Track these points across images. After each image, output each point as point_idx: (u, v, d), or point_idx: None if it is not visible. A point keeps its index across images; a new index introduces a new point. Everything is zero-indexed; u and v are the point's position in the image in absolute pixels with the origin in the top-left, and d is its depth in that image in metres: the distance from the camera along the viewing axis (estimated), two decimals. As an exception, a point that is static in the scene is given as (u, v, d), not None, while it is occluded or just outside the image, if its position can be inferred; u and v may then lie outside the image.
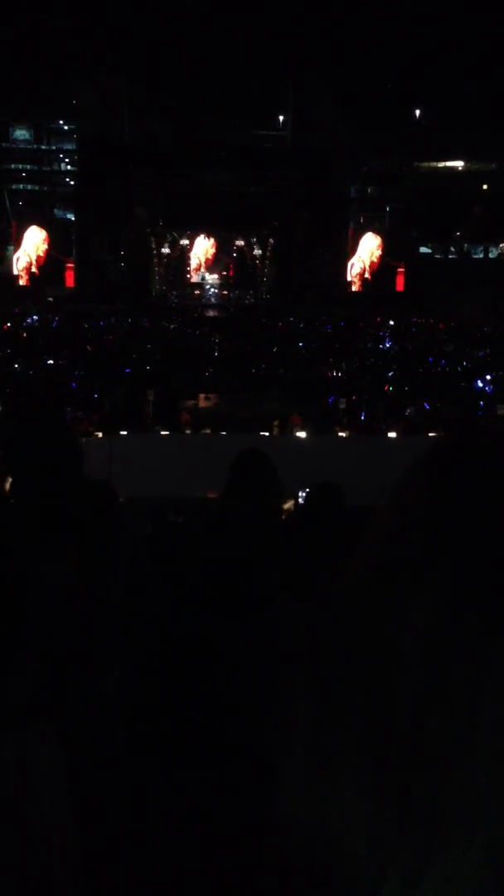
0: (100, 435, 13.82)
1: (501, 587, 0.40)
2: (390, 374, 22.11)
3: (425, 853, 0.39)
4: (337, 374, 22.39)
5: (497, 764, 0.37)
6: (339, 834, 0.43)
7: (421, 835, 0.40)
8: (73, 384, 19.53)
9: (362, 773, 0.42)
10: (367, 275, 47.21)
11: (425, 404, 16.94)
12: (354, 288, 47.14)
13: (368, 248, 47.23)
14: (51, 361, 23.33)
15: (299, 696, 0.45)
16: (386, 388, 19.94)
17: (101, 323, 34.67)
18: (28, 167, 47.34)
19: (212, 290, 47.48)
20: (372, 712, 0.42)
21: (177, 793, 1.84)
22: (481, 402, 17.49)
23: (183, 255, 47.55)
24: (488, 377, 20.67)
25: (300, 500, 7.57)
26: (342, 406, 17.03)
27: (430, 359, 25.40)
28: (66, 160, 47.43)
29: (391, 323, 36.54)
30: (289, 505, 7.93)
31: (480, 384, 20.17)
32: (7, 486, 2.23)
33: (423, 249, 48.47)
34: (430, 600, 0.41)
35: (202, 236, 47.39)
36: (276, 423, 15.23)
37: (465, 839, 0.38)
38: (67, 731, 1.52)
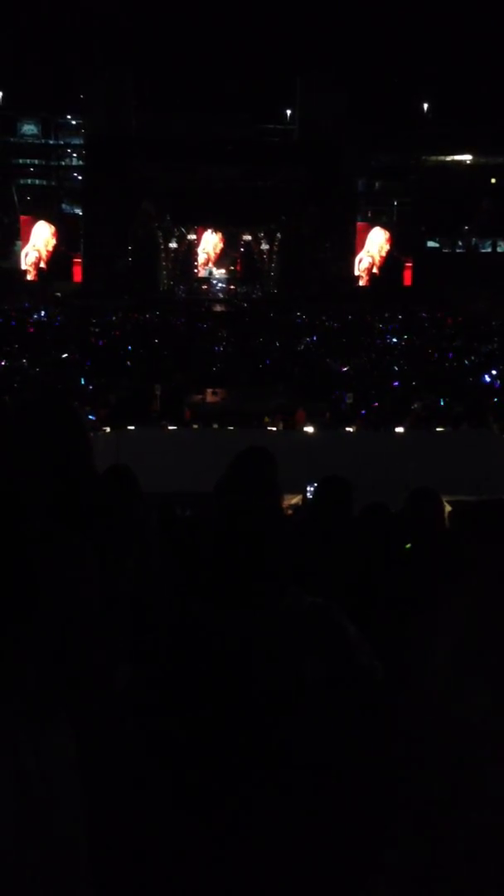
0: (107, 430, 13.85)
1: None
2: (397, 369, 22.09)
3: None
4: (344, 368, 22.37)
5: None
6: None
7: None
8: (81, 379, 19.56)
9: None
10: (374, 269, 47.10)
11: (433, 399, 16.92)
12: (362, 283, 47.04)
13: (377, 242, 47.12)
14: (63, 356, 23.36)
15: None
16: (393, 383, 19.91)
17: (110, 318, 34.69)
18: (36, 162, 47.34)
19: (219, 284, 47.42)
20: None
21: (187, 786, 1.86)
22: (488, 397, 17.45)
23: (190, 250, 47.51)
24: (495, 371, 20.62)
25: (308, 494, 7.58)
26: (349, 401, 17.02)
27: (438, 353, 25.36)
28: (74, 155, 47.41)
29: (399, 317, 36.47)
30: (297, 500, 7.94)
31: (488, 379, 20.13)
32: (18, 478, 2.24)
33: (430, 244, 48.32)
34: None
35: (209, 231, 47.32)
36: (267, 419, 15.22)
37: None
38: (80, 722, 1.53)
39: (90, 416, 14.45)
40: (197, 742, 1.85)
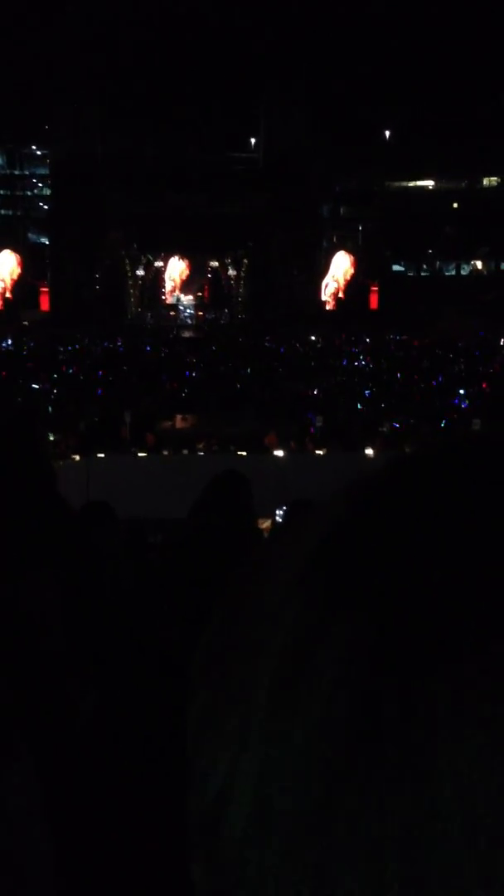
0: (77, 458, 13.77)
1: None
2: (366, 392, 22.22)
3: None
4: (313, 392, 22.47)
5: None
6: None
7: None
8: (50, 407, 19.47)
9: None
10: (340, 293, 47.52)
11: (401, 421, 17.03)
12: (329, 307, 47.43)
13: (341, 267, 47.59)
14: (29, 385, 23.25)
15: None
16: (361, 406, 20.03)
17: (78, 347, 34.63)
18: (1, 192, 47.38)
19: (187, 311, 47.60)
20: None
21: (157, 816, 1.82)
22: (455, 417, 17.60)
23: (157, 277, 47.68)
24: (462, 392, 20.82)
25: (278, 518, 7.56)
26: (318, 424, 17.08)
27: (405, 375, 25.56)
28: (40, 184, 47.51)
29: (367, 340, 36.76)
30: (267, 524, 7.92)
31: (456, 400, 20.31)
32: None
33: (395, 267, 48.89)
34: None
35: (175, 258, 47.54)
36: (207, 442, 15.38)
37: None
38: (42, 756, 1.50)
39: (65, 444, 14.38)
40: (166, 771, 1.81)
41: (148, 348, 34.78)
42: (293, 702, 0.29)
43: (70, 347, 34.04)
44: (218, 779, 0.32)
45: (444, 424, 16.87)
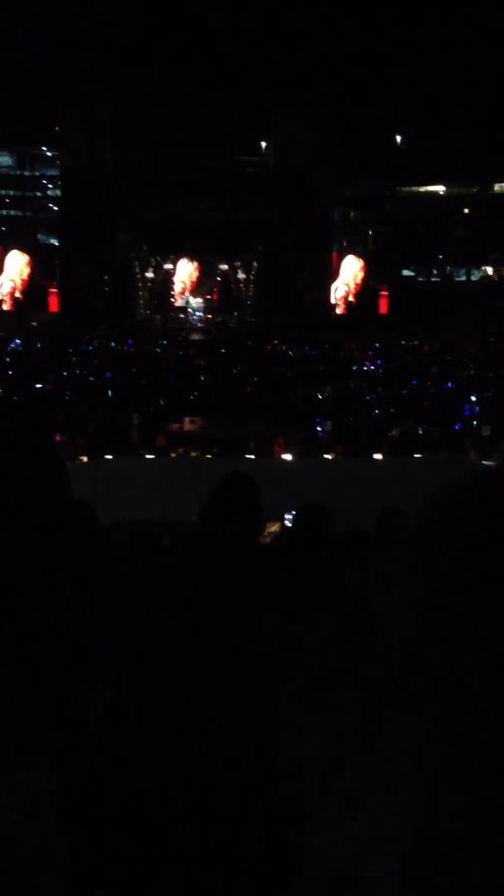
0: (85, 459, 13.78)
1: None
2: (375, 396, 22.20)
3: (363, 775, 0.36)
4: (322, 396, 22.46)
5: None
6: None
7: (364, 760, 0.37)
8: (58, 408, 19.49)
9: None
10: (350, 297, 47.48)
11: (411, 426, 17.00)
12: (339, 311, 47.39)
13: (351, 270, 47.54)
14: (37, 386, 23.28)
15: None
16: (370, 410, 20.00)
17: (87, 347, 34.69)
18: (11, 193, 47.47)
19: (196, 313, 47.60)
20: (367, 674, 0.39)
21: (167, 816, 1.82)
22: (465, 424, 17.56)
23: (167, 280, 47.70)
24: (473, 398, 20.77)
25: (287, 522, 7.55)
26: (328, 428, 17.07)
27: (415, 381, 25.53)
28: (50, 186, 47.60)
29: (376, 345, 36.75)
30: (276, 527, 7.91)
31: (466, 406, 20.27)
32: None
33: (406, 272, 48.82)
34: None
35: (184, 260, 47.56)
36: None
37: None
38: (56, 756, 1.49)
39: (73, 445, 14.40)
40: (175, 771, 1.81)
41: (158, 350, 34.81)
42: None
43: (81, 348, 34.11)
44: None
45: (454, 430, 16.83)
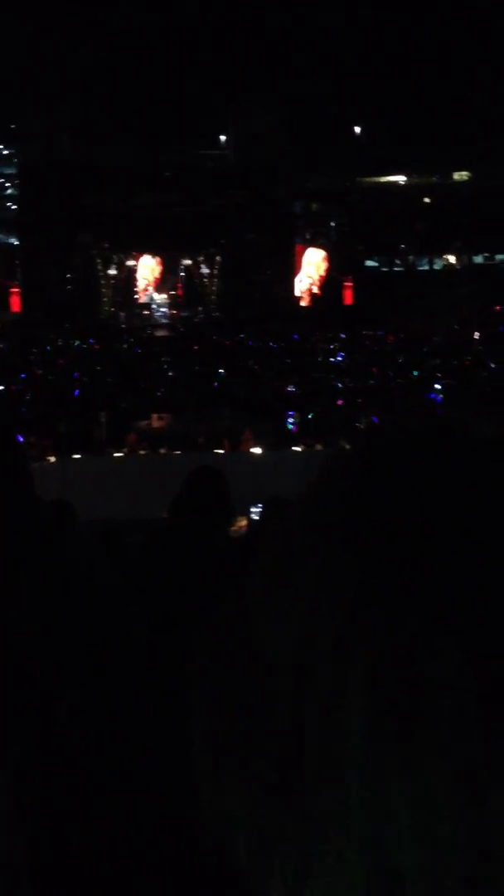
0: (52, 459, 13.70)
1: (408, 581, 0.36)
2: (341, 387, 22.27)
3: (305, 854, 0.36)
4: (289, 388, 22.48)
5: (367, 768, 0.35)
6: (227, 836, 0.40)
7: (299, 835, 0.37)
8: (23, 409, 19.34)
9: (241, 772, 0.39)
10: (315, 289, 47.56)
11: (378, 416, 17.06)
12: (304, 303, 47.46)
13: (313, 262, 47.63)
14: (0, 388, 23.08)
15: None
16: (337, 401, 20.06)
17: (50, 347, 34.42)
18: (-31, 193, 46.99)
19: (161, 309, 47.41)
20: (254, 713, 0.39)
21: (134, 818, 1.81)
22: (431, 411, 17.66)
23: (130, 276, 47.45)
24: (438, 387, 20.92)
25: (254, 516, 7.56)
26: (296, 420, 17.09)
27: (381, 370, 25.63)
28: (8, 185, 47.13)
29: (342, 336, 36.82)
30: (243, 522, 7.91)
31: (432, 394, 20.41)
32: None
33: (369, 263, 49.00)
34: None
35: (147, 256, 47.32)
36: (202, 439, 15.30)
37: (340, 841, 0.35)
38: (19, 759, 1.48)
39: (40, 446, 14.29)
40: (143, 773, 1.80)
41: (123, 347, 34.63)
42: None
43: (44, 348, 33.84)
44: None
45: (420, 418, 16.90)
